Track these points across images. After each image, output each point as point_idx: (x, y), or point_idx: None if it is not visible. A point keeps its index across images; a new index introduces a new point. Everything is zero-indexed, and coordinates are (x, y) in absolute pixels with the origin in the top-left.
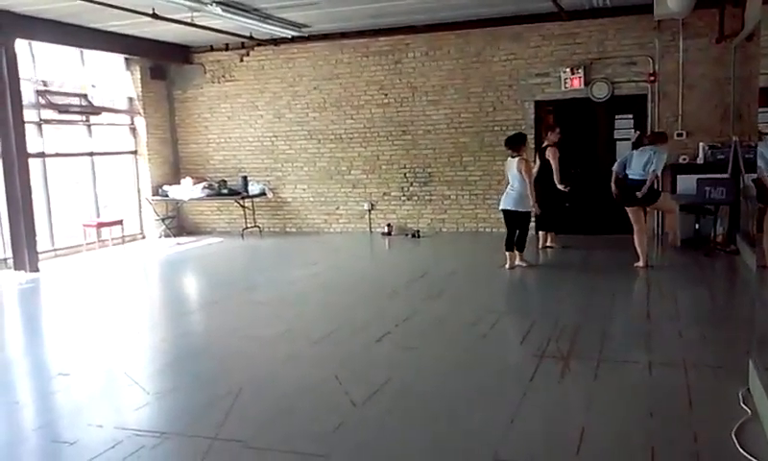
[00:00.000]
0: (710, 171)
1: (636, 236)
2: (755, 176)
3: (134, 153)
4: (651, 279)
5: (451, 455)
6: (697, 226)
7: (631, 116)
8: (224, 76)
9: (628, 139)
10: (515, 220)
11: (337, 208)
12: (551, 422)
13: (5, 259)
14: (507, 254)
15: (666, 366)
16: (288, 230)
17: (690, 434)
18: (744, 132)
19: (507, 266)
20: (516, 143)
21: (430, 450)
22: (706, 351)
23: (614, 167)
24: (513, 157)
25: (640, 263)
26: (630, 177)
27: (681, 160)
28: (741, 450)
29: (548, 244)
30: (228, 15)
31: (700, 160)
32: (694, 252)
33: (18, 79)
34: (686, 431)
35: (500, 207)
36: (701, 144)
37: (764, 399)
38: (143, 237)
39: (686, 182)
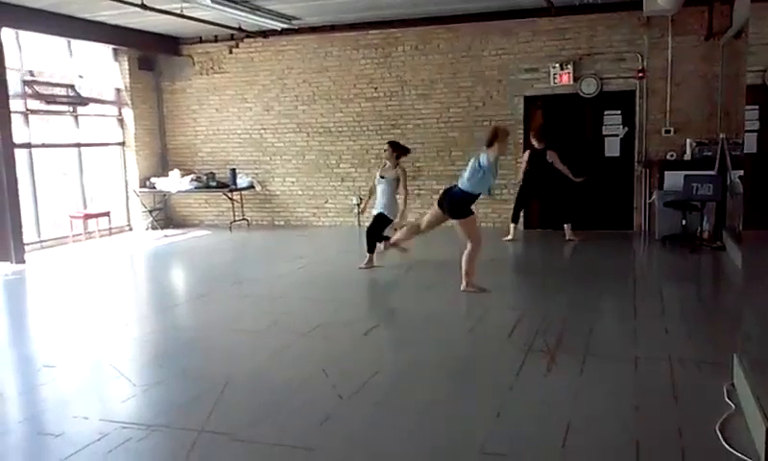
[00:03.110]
0: (697, 168)
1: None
2: (741, 173)
3: (122, 144)
4: (638, 276)
5: (438, 449)
6: (684, 222)
7: (619, 112)
8: (212, 68)
9: (616, 135)
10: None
11: (326, 202)
12: (537, 416)
13: None
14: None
15: (652, 361)
16: (276, 223)
17: (675, 428)
18: (731, 129)
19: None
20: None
21: (417, 444)
22: (691, 347)
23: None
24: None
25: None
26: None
27: (668, 157)
28: (725, 444)
29: (569, 237)
30: (218, 7)
31: (687, 157)
32: (680, 248)
33: (5, 68)
34: (671, 425)
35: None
36: (688, 141)
37: (748, 393)
38: (130, 229)
39: (674, 179)
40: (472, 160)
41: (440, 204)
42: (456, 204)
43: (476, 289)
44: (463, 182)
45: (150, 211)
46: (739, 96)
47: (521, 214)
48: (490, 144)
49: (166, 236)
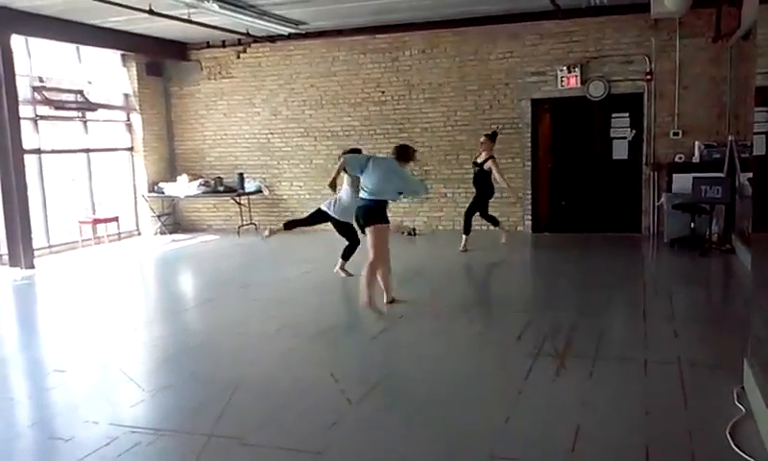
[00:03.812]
0: (706, 170)
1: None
2: (750, 175)
3: (130, 149)
4: (647, 279)
5: (447, 453)
6: (692, 225)
7: (627, 115)
8: (220, 73)
9: (624, 138)
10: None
11: None
12: (546, 420)
13: (0, 256)
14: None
15: (661, 364)
16: None
17: (685, 432)
18: (740, 131)
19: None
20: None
21: (425, 449)
22: (701, 350)
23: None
24: None
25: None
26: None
27: (677, 159)
28: (735, 448)
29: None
30: (225, 12)
31: (696, 159)
32: (690, 251)
33: (14, 75)
34: (681, 429)
35: None
36: (697, 143)
37: (759, 397)
38: (139, 234)
39: (682, 181)
40: (381, 164)
41: (363, 227)
42: (372, 211)
43: (373, 307)
44: (373, 193)
45: (158, 216)
46: (748, 98)
47: (489, 216)
48: (405, 160)
49: (174, 241)
